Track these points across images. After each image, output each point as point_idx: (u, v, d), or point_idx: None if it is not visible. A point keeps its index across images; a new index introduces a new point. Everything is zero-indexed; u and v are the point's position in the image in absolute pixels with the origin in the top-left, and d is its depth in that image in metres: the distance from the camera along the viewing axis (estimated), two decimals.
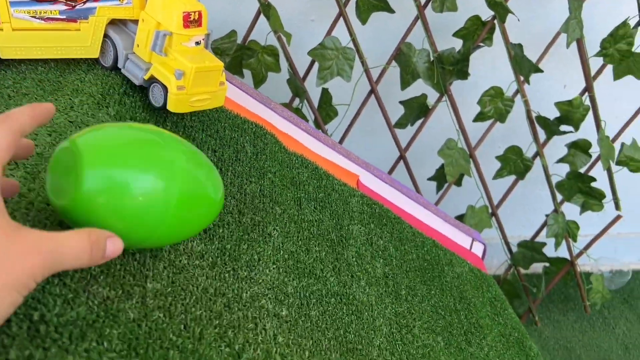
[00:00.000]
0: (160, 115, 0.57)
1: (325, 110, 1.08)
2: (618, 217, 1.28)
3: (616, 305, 1.51)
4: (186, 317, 0.40)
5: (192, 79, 0.53)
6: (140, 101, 0.56)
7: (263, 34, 1.00)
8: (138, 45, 0.56)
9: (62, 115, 0.49)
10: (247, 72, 1.03)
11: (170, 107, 0.54)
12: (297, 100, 1.07)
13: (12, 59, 0.55)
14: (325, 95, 1.07)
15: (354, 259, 0.66)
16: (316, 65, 1.01)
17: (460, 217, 1.22)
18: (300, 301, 0.52)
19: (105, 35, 0.56)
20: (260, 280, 0.50)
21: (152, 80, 0.55)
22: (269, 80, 1.03)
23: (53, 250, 0.29)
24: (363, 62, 1.04)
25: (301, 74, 1.05)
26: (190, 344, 0.38)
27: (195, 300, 0.42)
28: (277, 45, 1.00)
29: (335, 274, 0.61)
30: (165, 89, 0.54)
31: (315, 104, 1.08)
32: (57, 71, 0.56)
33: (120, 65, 0.57)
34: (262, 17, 0.96)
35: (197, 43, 0.55)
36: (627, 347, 1.40)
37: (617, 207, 1.27)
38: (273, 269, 0.53)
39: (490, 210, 1.25)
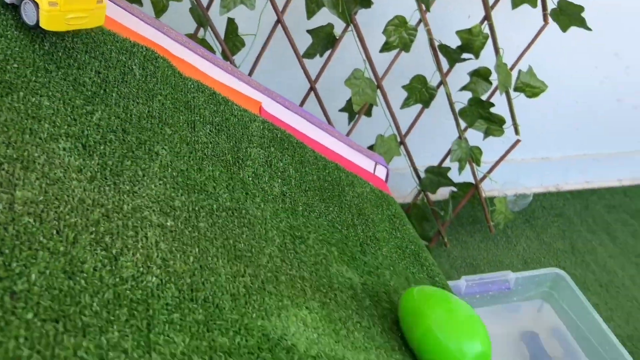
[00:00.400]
0: (37, 35, 0.56)
1: (232, 41, 1.07)
2: (517, 142, 1.37)
3: (518, 225, 1.64)
4: (59, 224, 0.41)
5: None
6: (12, 19, 0.55)
7: None
8: None
9: None
10: (146, 1, 1.00)
11: (43, 24, 0.53)
12: (201, 31, 1.06)
13: None
14: (231, 25, 1.06)
15: (250, 179, 0.68)
16: None
17: (371, 147, 1.27)
18: (188, 214, 0.54)
19: None
20: (144, 195, 0.51)
21: None
22: (170, 10, 1.01)
23: None
24: None
25: (205, 3, 1.03)
26: (62, 247, 0.40)
27: (71, 209, 0.43)
28: None
29: (229, 191, 0.63)
30: (37, 6, 0.52)
31: (222, 35, 1.07)
32: None
33: None
34: None
35: None
36: (526, 261, 1.53)
37: (517, 131, 1.35)
38: (159, 184, 0.54)
39: (398, 139, 1.30)
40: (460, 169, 1.32)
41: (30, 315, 0.34)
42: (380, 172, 1.03)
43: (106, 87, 0.59)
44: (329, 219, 0.76)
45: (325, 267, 0.67)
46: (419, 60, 1.29)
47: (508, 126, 1.34)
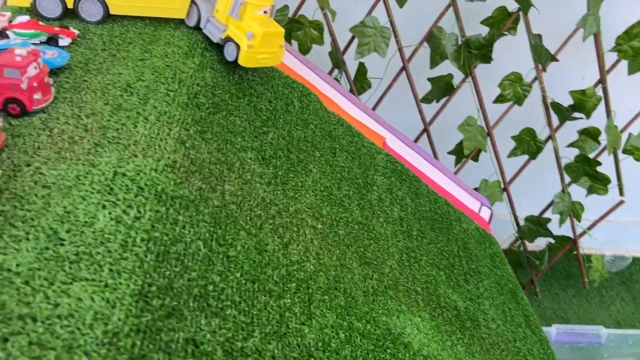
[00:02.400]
0: (231, 69, 0.72)
1: (360, 82, 1.21)
2: (621, 202, 1.39)
3: (614, 286, 1.62)
4: (251, 213, 0.54)
5: (260, 40, 0.67)
6: (216, 55, 0.71)
7: (311, 9, 1.13)
8: (218, 11, 0.69)
9: (160, 60, 0.63)
10: (294, 43, 1.16)
11: (241, 61, 0.68)
12: (336, 72, 1.21)
13: (118, 15, 0.69)
14: (362, 68, 1.20)
15: (375, 201, 0.80)
16: (356, 41, 1.13)
17: (471, 189, 1.34)
18: (331, 222, 0.67)
19: (192, 1, 0.70)
20: (302, 201, 0.64)
21: (227, 39, 0.69)
22: (312, 51, 1.17)
23: None
24: (398, 41, 1.16)
25: (341, 48, 1.18)
26: (254, 230, 0.53)
27: (257, 204, 0.56)
28: (322, 20, 1.13)
29: (360, 209, 0.75)
30: (237, 47, 0.68)
31: (352, 75, 1.21)
32: (152, 26, 0.70)
33: (202, 25, 0.71)
34: None
35: (265, 12, 0.69)
36: (619, 322, 1.51)
37: (621, 192, 1.37)
38: (312, 195, 0.67)
39: (502, 186, 1.37)
40: (561, 222, 1.36)
41: (238, 275, 0.47)
42: (485, 213, 1.11)
43: (275, 114, 0.73)
44: (438, 247, 0.86)
45: (434, 287, 0.76)
46: (529, 114, 1.36)
47: (613, 186, 1.37)
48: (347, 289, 0.59)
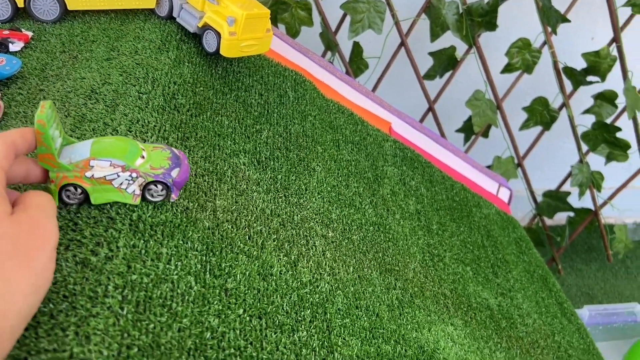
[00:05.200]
0: (213, 61, 0.63)
1: (357, 64, 1.12)
2: None
3: (639, 255, 1.55)
4: (250, 230, 0.46)
5: (242, 25, 0.58)
6: (194, 47, 0.61)
7: None
8: None
9: (129, 59, 0.54)
10: (281, 27, 1.07)
11: (223, 51, 0.59)
12: (329, 54, 1.11)
13: (77, 10, 0.60)
14: (357, 48, 1.10)
15: (388, 196, 0.71)
16: (347, 19, 1.04)
17: (487, 169, 1.26)
18: (343, 227, 0.58)
19: None
20: (308, 207, 0.56)
21: (206, 28, 0.60)
22: (301, 34, 1.07)
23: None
24: (393, 15, 1.07)
25: (333, 27, 1.09)
26: (255, 251, 0.44)
27: (256, 218, 0.48)
28: None
29: (373, 207, 0.66)
30: (218, 35, 0.59)
31: (347, 57, 1.12)
32: (118, 21, 0.61)
33: (175, 14, 0.62)
34: None
35: None
36: None
37: None
38: (318, 198, 0.58)
39: (516, 161, 1.29)
40: (581, 194, 1.28)
41: (240, 311, 0.38)
42: (504, 194, 1.03)
43: (268, 108, 0.64)
44: (460, 239, 0.78)
45: (463, 286, 0.68)
46: (540, 83, 1.27)
47: (633, 151, 1.29)
48: (370, 306, 0.51)
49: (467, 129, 1.22)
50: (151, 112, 0.48)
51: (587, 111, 1.24)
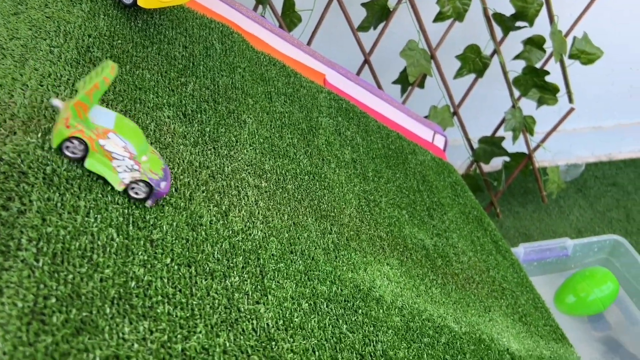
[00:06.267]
0: (132, 14, 0.60)
1: (289, 17, 1.10)
2: (571, 110, 1.36)
3: (570, 195, 1.63)
4: (176, 182, 0.45)
5: None
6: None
7: None
8: None
9: (38, 12, 0.51)
10: None
11: (141, 2, 0.56)
12: (260, 8, 1.09)
13: None
14: (288, 1, 1.08)
15: (324, 146, 0.72)
16: None
17: (422, 117, 1.28)
18: (277, 177, 0.58)
19: None
20: (240, 158, 0.55)
21: None
22: None
23: None
24: None
25: None
26: (182, 203, 0.44)
27: (182, 170, 0.47)
28: None
29: (308, 157, 0.67)
30: None
31: (279, 11, 1.10)
32: None
33: None
34: None
35: None
36: (580, 230, 1.52)
37: (570, 99, 1.34)
38: (250, 149, 0.58)
39: (452, 110, 1.31)
40: (514, 138, 1.32)
41: (168, 260, 0.38)
42: (439, 141, 1.05)
43: (194, 61, 0.63)
44: (396, 185, 0.79)
45: (399, 229, 0.70)
46: (472, 30, 1.29)
47: (562, 94, 1.34)
48: (305, 250, 0.51)
49: (403, 80, 1.23)
50: (64, 65, 0.46)
51: (517, 57, 1.27)
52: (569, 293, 1.09)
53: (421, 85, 1.26)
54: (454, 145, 1.47)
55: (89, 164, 0.37)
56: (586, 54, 1.25)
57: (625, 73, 1.64)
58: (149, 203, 0.40)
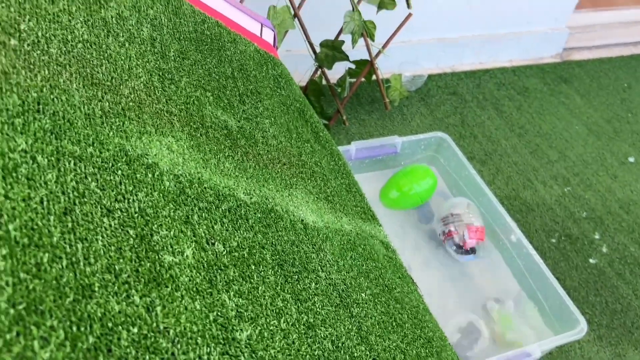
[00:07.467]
0: None
1: None
2: (409, 15, 1.39)
3: (414, 103, 1.70)
4: None
5: None
6: None
7: None
8: None
9: None
10: None
11: None
12: None
13: None
14: None
15: (113, 19, 0.66)
16: None
17: (248, 9, 1.24)
18: (37, 39, 0.52)
19: None
20: None
21: None
22: None
23: None
24: None
25: None
26: None
27: None
28: None
29: (87, 27, 0.61)
30: None
31: None
32: None
33: None
34: None
35: None
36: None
37: (408, 5, 1.37)
38: (4, 7, 0.51)
39: (292, 12, 1.29)
40: (354, 42, 1.33)
41: None
42: (268, 35, 1.02)
43: None
44: (205, 69, 0.76)
45: (198, 108, 0.67)
46: None
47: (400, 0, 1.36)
48: (59, 112, 0.47)
49: None
50: None
51: None
52: (392, 188, 1.15)
53: None
54: (297, 54, 1.45)
55: None
56: None
57: None
58: None
